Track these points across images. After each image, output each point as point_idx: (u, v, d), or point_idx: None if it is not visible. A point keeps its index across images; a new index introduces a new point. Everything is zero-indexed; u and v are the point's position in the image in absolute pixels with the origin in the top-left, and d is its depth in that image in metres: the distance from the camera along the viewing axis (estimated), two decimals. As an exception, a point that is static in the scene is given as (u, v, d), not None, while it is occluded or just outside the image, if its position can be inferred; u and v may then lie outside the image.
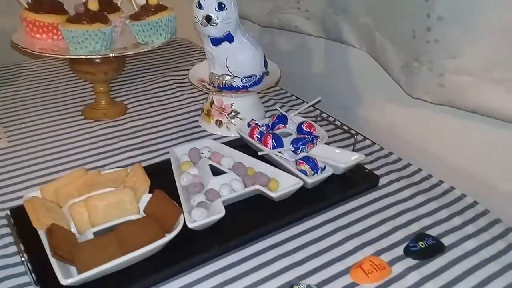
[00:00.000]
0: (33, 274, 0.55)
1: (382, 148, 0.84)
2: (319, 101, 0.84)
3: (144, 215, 0.62)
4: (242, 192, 0.66)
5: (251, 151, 0.75)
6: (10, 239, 0.62)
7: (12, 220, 0.63)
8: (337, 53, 0.99)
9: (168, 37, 0.86)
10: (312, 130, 0.78)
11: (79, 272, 0.53)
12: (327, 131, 0.81)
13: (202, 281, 0.57)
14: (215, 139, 0.79)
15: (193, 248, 0.60)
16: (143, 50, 0.84)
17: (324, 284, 0.56)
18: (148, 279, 0.56)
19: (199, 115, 0.92)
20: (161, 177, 0.67)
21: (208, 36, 0.79)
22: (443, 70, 0.73)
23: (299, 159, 0.71)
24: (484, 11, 0.65)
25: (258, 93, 0.92)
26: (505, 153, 0.74)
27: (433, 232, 0.64)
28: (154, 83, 1.04)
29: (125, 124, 0.89)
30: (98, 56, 0.82)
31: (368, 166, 0.77)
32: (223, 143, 0.77)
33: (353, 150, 0.78)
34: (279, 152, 0.73)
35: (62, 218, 0.61)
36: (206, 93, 0.91)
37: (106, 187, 0.65)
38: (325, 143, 0.77)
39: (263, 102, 0.95)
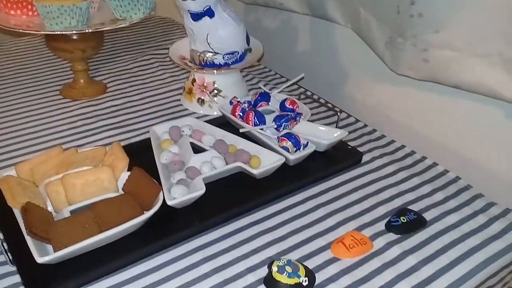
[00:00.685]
0: (8, 254, 0.54)
1: (366, 126, 0.83)
2: (303, 78, 0.82)
3: (123, 193, 0.61)
4: (223, 169, 0.65)
5: (233, 129, 0.74)
6: (-16, 219, 0.60)
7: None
8: (322, 30, 0.98)
9: (146, 12, 0.84)
10: (295, 107, 0.77)
11: (55, 250, 0.52)
12: (310, 108, 0.80)
13: (183, 258, 0.56)
14: (197, 118, 0.77)
15: (174, 225, 0.59)
16: (120, 26, 0.82)
17: (305, 260, 0.56)
18: (128, 257, 0.55)
19: (180, 94, 0.90)
20: (140, 156, 0.66)
21: (188, 11, 0.77)
22: (427, 45, 0.72)
23: (281, 136, 0.70)
24: (467, -16, 0.65)
25: (241, 71, 0.90)
26: (488, 129, 0.74)
27: (415, 207, 0.64)
28: (135, 62, 1.02)
29: (104, 103, 0.87)
30: (74, 32, 0.79)
31: (352, 143, 0.76)
32: (204, 121, 0.76)
33: (336, 127, 0.77)
34: (261, 129, 0.72)
35: (38, 197, 0.59)
36: (188, 71, 0.89)
37: (84, 165, 0.64)
38: (308, 121, 0.76)
39: (246, 81, 0.94)
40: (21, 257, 0.53)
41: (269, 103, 0.79)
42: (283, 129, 0.73)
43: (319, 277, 0.54)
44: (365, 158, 0.74)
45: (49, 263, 0.51)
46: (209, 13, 0.77)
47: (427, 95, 0.80)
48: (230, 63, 0.83)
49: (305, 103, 0.81)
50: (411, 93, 0.83)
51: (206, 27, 0.79)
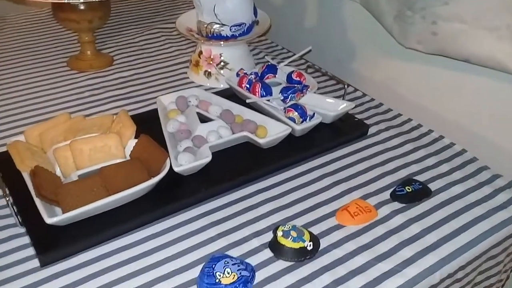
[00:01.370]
0: (18, 216, 0.55)
1: (372, 99, 0.83)
2: (310, 50, 0.82)
3: (131, 159, 0.61)
4: (230, 138, 0.66)
5: (240, 101, 0.74)
6: (-7, 184, 0.61)
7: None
8: (330, 5, 0.97)
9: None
10: (301, 79, 0.77)
11: (64, 212, 0.52)
12: (317, 82, 0.80)
13: (189, 223, 0.57)
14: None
15: (180, 192, 0.60)
16: (128, -4, 0.81)
17: (309, 226, 0.56)
18: (135, 221, 0.56)
19: (187, 67, 0.90)
20: (147, 126, 0.66)
21: (196, -19, 0.77)
22: (436, 18, 0.72)
23: (288, 107, 0.70)
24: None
25: (248, 45, 0.90)
26: (496, 105, 0.73)
27: (420, 178, 0.64)
28: (141, 35, 1.02)
29: (111, 75, 0.87)
30: (82, 1, 0.79)
31: (358, 116, 0.76)
32: (211, 93, 0.76)
33: (343, 100, 0.77)
34: (268, 100, 0.72)
35: (47, 162, 0.60)
36: (194, 43, 0.88)
37: (91, 132, 0.64)
38: (315, 93, 0.76)
39: (253, 55, 0.93)
40: (30, 219, 0.54)
41: (276, 75, 0.79)
42: (290, 100, 0.73)
43: (324, 243, 0.54)
44: (372, 130, 0.74)
45: (57, 225, 0.52)
46: (217, -17, 0.77)
47: (435, 71, 0.80)
48: (237, 35, 0.82)
49: (312, 77, 0.81)
50: (419, 69, 0.82)
51: (214, -3, 0.78)
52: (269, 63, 0.81)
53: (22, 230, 0.55)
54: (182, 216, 0.58)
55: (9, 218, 0.56)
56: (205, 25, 0.82)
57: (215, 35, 0.82)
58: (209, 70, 0.85)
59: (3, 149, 0.63)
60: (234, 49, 0.84)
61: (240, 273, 0.49)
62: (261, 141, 0.65)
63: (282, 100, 0.73)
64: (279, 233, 0.53)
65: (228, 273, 0.48)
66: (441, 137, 0.73)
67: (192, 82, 0.86)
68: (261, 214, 0.58)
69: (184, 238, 0.55)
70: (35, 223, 0.53)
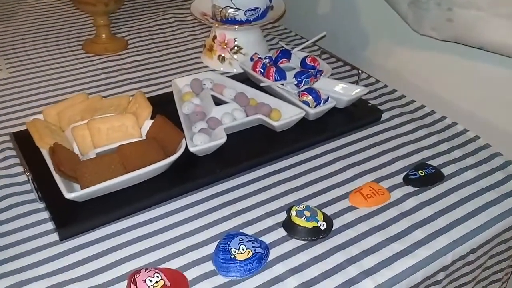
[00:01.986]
0: (38, 192, 0.56)
1: (385, 86, 0.83)
2: (324, 36, 0.82)
3: (147, 138, 0.62)
4: (244, 120, 0.66)
5: (254, 85, 0.75)
6: (13, 161, 0.62)
7: (16, 143, 0.63)
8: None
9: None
10: (315, 64, 0.77)
11: (82, 188, 0.54)
12: (331, 68, 0.80)
13: (203, 202, 0.58)
14: (217, 73, 0.78)
15: (195, 172, 0.61)
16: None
17: (322, 207, 0.57)
18: (151, 198, 0.57)
19: (200, 52, 0.91)
20: (162, 108, 0.67)
21: (211, -36, 0.77)
22: (452, 4, 0.71)
23: (302, 91, 0.70)
24: None
25: (262, 31, 0.90)
26: (509, 92, 0.73)
27: (433, 163, 0.65)
28: (155, 20, 1.02)
29: (126, 58, 0.88)
30: (99, -16, 0.80)
31: (372, 102, 0.77)
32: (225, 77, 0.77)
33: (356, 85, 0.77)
34: (282, 84, 0.73)
35: (65, 140, 0.61)
36: (207, 29, 0.89)
37: (108, 112, 0.65)
38: (328, 78, 0.76)
39: (266, 41, 0.94)
40: (49, 195, 0.55)
41: (290, 60, 0.79)
42: (304, 85, 0.73)
43: (336, 223, 0.55)
44: (385, 116, 0.74)
45: (76, 200, 0.54)
46: (232, -33, 0.77)
47: (448, 59, 0.79)
48: (251, 19, 0.83)
49: (325, 62, 0.81)
50: (432, 57, 0.82)
51: (229, -19, 0.78)
52: (283, 48, 0.81)
53: (41, 205, 0.56)
54: (197, 196, 0.59)
55: (29, 194, 0.58)
56: (220, 9, 0.82)
57: (229, 19, 0.83)
58: (223, 55, 0.85)
59: (23, 127, 0.64)
60: (248, 33, 0.85)
61: (255, 250, 0.50)
62: (275, 123, 0.66)
63: (296, 85, 0.74)
64: (293, 213, 0.54)
65: (243, 250, 0.49)
66: (454, 124, 0.74)
67: (206, 66, 0.87)
68: (275, 195, 0.59)
69: (199, 216, 0.56)
70: (54, 199, 0.54)
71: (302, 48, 0.83)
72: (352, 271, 0.50)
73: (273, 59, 0.79)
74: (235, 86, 0.73)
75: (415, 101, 0.79)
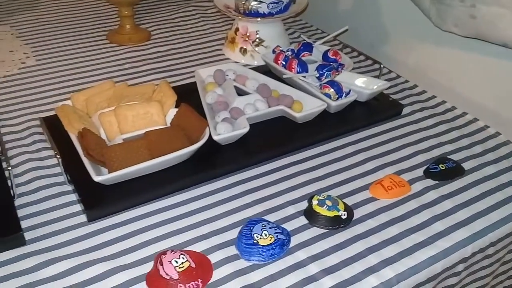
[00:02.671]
0: (67, 174, 0.58)
1: (407, 81, 0.83)
2: (347, 30, 0.83)
3: (172, 126, 0.64)
4: (266, 111, 0.67)
5: (275, 77, 0.75)
6: (42, 145, 0.64)
7: (46, 127, 0.65)
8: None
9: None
10: (337, 57, 0.78)
11: (110, 171, 0.55)
12: (353, 62, 0.81)
13: (226, 189, 0.59)
14: (239, 65, 0.79)
15: (219, 159, 0.62)
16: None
17: (343, 197, 0.58)
18: (175, 184, 0.58)
19: (221, 44, 0.92)
20: (186, 97, 0.68)
21: (236, -43, 0.78)
22: (475, 1, 0.71)
23: (324, 83, 0.71)
24: None
25: (284, 24, 0.91)
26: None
27: (454, 158, 0.65)
28: (177, 12, 1.04)
29: (149, 49, 0.90)
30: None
31: (393, 97, 0.77)
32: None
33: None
34: (304, 77, 0.74)
35: (92, 126, 0.63)
36: (228, 21, 0.90)
37: (134, 100, 0.67)
38: (350, 72, 0.77)
39: (288, 34, 0.94)
40: (77, 177, 0.57)
41: (312, 53, 0.80)
42: (325, 78, 0.74)
43: (357, 213, 0.56)
44: (406, 110, 0.75)
45: (103, 183, 0.55)
46: (257, -41, 0.78)
47: (471, 56, 0.79)
48: (274, 12, 0.83)
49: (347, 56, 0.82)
50: (454, 54, 0.82)
51: (253, -26, 0.79)
52: (305, 41, 0.82)
53: (70, 188, 0.58)
54: (220, 183, 0.60)
55: (57, 177, 0.59)
56: (243, 2, 0.83)
57: (252, 12, 0.83)
58: (244, 47, 0.86)
59: (52, 112, 0.66)
60: (271, 26, 0.85)
61: (277, 236, 0.51)
62: (297, 115, 0.67)
63: (317, 78, 0.74)
64: (315, 202, 0.55)
65: (266, 235, 0.50)
66: (475, 120, 0.74)
67: (227, 58, 0.88)
68: (296, 184, 0.60)
69: (222, 203, 0.57)
70: (82, 182, 0.56)
71: (324, 42, 0.83)
72: (372, 259, 0.51)
73: (295, 52, 0.80)
74: (258, 77, 0.74)
75: (436, 97, 0.79)
